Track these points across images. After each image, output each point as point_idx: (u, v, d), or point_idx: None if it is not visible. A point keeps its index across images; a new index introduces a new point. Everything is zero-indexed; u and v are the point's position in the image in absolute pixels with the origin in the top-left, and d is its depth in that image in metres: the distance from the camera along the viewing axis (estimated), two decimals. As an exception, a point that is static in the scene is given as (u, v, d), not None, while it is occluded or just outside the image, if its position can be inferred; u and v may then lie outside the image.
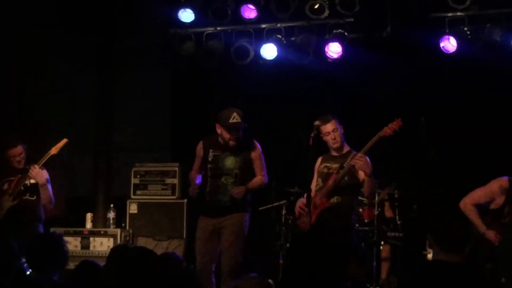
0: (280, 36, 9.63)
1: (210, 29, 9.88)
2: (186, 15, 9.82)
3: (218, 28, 9.85)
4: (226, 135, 7.49)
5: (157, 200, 10.01)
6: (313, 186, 7.40)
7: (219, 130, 7.53)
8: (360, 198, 8.60)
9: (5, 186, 7.98)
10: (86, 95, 11.04)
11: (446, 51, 9.06)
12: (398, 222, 9.02)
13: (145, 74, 11.00)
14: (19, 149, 7.97)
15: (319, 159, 7.50)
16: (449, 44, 9.03)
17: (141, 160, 10.32)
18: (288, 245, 8.94)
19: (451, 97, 9.63)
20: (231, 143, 7.50)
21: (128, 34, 10.96)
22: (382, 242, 8.96)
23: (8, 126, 10.16)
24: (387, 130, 7.09)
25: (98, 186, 10.53)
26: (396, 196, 9.09)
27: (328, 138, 7.33)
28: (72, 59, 10.81)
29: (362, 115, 9.79)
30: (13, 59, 10.35)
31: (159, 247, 9.66)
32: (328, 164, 7.38)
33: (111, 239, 9.64)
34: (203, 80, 10.57)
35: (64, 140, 8.00)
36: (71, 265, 8.77)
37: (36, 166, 7.85)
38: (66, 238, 9.42)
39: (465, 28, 8.93)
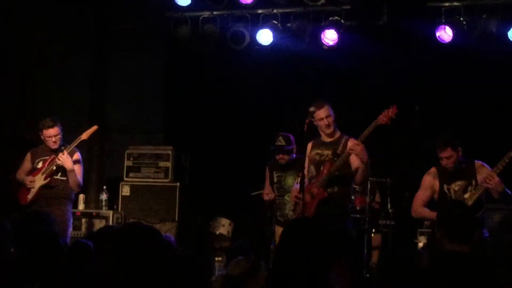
0: (276, 22, 9.62)
1: (206, 13, 9.86)
2: (183, -1, 9.80)
3: (214, 13, 9.83)
4: (276, 156, 8.40)
5: (150, 183, 10.01)
6: (305, 172, 7.44)
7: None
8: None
9: (40, 165, 8.34)
10: (81, 77, 11.00)
11: (441, 41, 9.07)
12: (390, 211, 9.04)
13: (140, 56, 10.98)
14: (55, 130, 8.25)
15: (309, 145, 7.59)
16: (445, 33, 9.03)
17: (135, 142, 10.32)
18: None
19: (445, 86, 9.65)
20: (281, 161, 8.39)
21: (124, 17, 10.92)
22: (373, 230, 8.97)
23: (2, 107, 10.18)
24: (383, 118, 7.16)
25: (91, 168, 10.51)
26: (388, 184, 9.11)
27: (322, 124, 7.46)
28: (68, 41, 10.77)
29: (356, 102, 9.81)
30: (8, 40, 10.31)
31: (151, 230, 9.67)
32: (319, 151, 7.52)
33: (103, 221, 9.64)
34: (198, 63, 10.56)
35: (95, 127, 8.41)
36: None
37: (65, 152, 8.17)
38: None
39: (461, 18, 8.94)
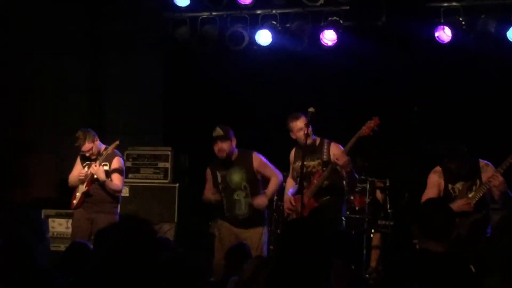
0: (275, 22, 9.62)
1: (205, 14, 9.86)
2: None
3: (213, 13, 9.83)
4: (215, 149, 7.80)
5: (149, 184, 10.02)
6: (290, 177, 7.78)
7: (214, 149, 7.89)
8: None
9: (87, 168, 8.36)
10: (79, 77, 11.01)
11: (440, 41, 9.07)
12: (389, 211, 9.04)
13: (138, 57, 10.97)
14: (86, 146, 8.26)
15: (293, 152, 7.75)
16: (444, 34, 9.04)
17: (134, 144, 10.32)
18: (278, 231, 8.95)
19: (444, 87, 9.65)
20: (220, 155, 7.79)
21: (122, 17, 10.93)
22: (372, 230, 8.97)
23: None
24: (366, 130, 7.31)
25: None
26: (388, 184, 9.11)
27: (301, 135, 7.46)
28: (66, 42, 10.77)
29: (355, 103, 9.80)
30: (5, 42, 10.31)
31: (150, 231, 9.67)
32: (305, 163, 7.50)
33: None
34: (197, 64, 10.56)
35: (116, 142, 8.34)
36: (62, 247, 8.80)
37: (98, 163, 8.18)
38: (57, 220, 9.49)
39: (460, 19, 8.95)
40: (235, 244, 7.17)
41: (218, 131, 7.81)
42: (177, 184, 9.91)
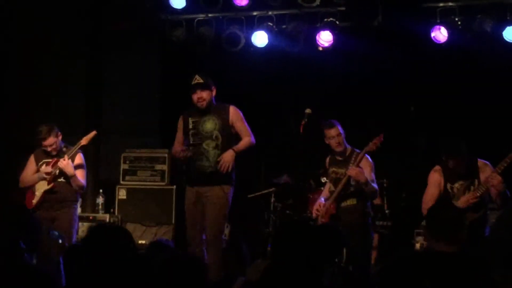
0: (271, 24, 9.62)
1: (201, 16, 9.86)
2: (177, 2, 9.77)
3: (209, 15, 9.83)
4: (194, 98, 7.60)
5: (146, 186, 10.01)
6: (327, 187, 8.01)
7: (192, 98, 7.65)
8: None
9: (43, 167, 8.26)
10: (76, 78, 11.00)
11: (437, 41, 9.08)
12: (387, 211, 9.05)
13: (135, 58, 10.98)
14: (49, 140, 8.17)
15: (327, 160, 7.96)
16: (440, 34, 9.04)
17: (130, 145, 10.31)
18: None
19: (441, 87, 9.66)
20: (200, 104, 7.58)
21: (119, 18, 10.92)
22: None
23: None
24: (372, 146, 7.56)
25: (87, 171, 10.52)
26: (385, 185, 9.11)
27: (333, 142, 7.72)
28: (63, 42, 10.77)
29: (352, 104, 9.81)
30: (4, 42, 10.31)
31: (148, 233, 9.68)
32: (335, 169, 7.84)
33: (100, 225, 9.62)
34: (194, 66, 10.53)
35: (94, 132, 8.33)
36: (59, 250, 8.74)
37: (66, 158, 8.11)
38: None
39: (456, 18, 8.95)
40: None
41: (198, 79, 7.62)
42: (174, 186, 9.89)
